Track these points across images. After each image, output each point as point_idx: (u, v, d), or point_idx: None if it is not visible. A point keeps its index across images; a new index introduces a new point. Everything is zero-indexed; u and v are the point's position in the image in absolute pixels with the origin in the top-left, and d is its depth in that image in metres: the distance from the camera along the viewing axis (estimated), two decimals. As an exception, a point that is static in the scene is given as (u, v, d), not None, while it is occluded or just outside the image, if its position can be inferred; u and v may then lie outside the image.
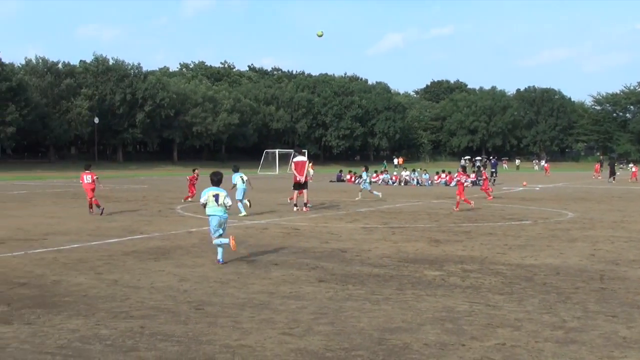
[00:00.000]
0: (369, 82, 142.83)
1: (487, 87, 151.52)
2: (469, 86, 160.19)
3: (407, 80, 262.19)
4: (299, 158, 24.01)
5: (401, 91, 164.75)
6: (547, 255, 12.80)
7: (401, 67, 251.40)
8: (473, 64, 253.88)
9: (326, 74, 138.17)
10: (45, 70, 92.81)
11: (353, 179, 51.72)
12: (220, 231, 11.89)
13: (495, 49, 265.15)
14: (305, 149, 61.00)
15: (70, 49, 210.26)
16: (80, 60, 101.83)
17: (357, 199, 29.46)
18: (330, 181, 53.13)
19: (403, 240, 15.07)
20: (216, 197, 11.81)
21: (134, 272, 10.78)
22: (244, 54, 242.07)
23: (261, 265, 11.55)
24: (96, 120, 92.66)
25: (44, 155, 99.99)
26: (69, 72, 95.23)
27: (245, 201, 21.40)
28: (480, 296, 9.01)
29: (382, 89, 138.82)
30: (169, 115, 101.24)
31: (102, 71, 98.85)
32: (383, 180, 49.28)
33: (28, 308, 8.21)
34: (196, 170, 28.57)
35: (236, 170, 21.72)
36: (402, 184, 47.93)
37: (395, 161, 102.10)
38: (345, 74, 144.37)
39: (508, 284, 9.87)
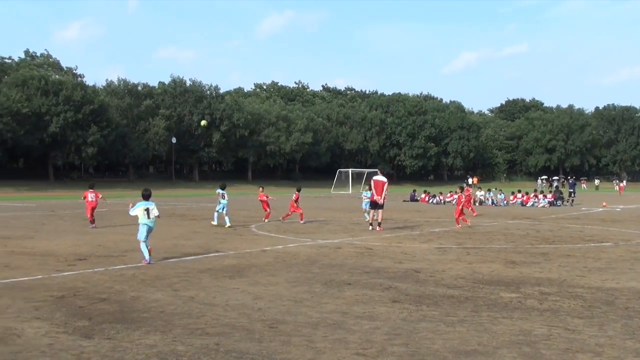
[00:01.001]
0: (443, 101, 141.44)
1: (564, 105, 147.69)
2: (545, 104, 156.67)
3: (481, 99, 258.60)
4: (379, 177, 23.84)
5: (475, 110, 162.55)
6: (630, 279, 12.35)
7: (476, 86, 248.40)
8: (549, 82, 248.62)
9: (399, 93, 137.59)
10: (125, 91, 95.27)
11: (427, 198, 51.18)
12: (146, 236, 14.17)
13: (571, 67, 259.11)
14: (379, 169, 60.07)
15: (149, 70, 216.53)
16: (159, 82, 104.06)
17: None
18: (404, 201, 52.64)
19: (478, 261, 14.80)
20: (147, 210, 14.14)
21: (210, 289, 10.88)
22: (317, 74, 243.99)
23: (334, 284, 11.51)
24: (174, 140, 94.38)
25: (123, 174, 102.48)
26: (147, 93, 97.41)
27: (226, 218, 24.06)
28: (559, 320, 8.76)
29: (456, 108, 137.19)
30: (244, 135, 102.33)
31: (179, 92, 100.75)
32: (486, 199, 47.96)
33: (108, 323, 8.41)
34: (262, 189, 28.99)
35: (222, 188, 24.30)
36: (477, 204, 47.10)
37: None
38: (421, 93, 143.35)
39: (588, 308, 9.56)
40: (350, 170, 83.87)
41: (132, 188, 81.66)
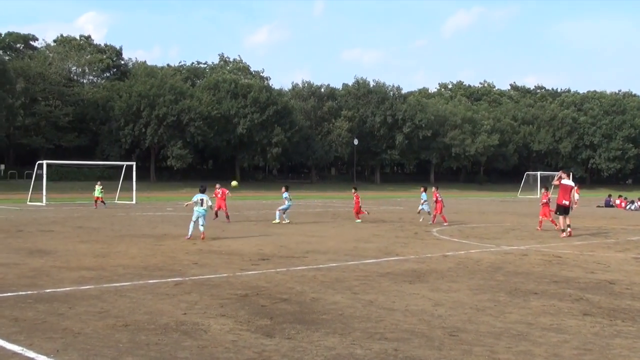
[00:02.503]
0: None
1: None
2: None
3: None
4: (567, 182, 22.81)
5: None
6: None
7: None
8: None
9: (594, 90, 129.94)
10: (309, 93, 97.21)
11: (624, 204, 47.75)
12: (202, 221, 19.00)
13: None
14: (569, 171, 57.39)
15: (334, 72, 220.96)
16: (343, 84, 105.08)
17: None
18: (598, 206, 49.34)
19: (683, 274, 13.39)
20: (202, 200, 18.89)
21: (389, 293, 10.71)
22: (505, 73, 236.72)
23: (520, 294, 10.95)
24: (355, 141, 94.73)
25: (306, 175, 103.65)
26: (330, 95, 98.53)
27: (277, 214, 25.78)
28: None
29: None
30: (427, 136, 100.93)
31: (362, 94, 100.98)
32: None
33: (288, 323, 8.48)
34: (356, 191, 29.07)
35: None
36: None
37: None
38: (619, 90, 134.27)
39: None
40: (539, 173, 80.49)
41: (315, 189, 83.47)
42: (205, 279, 11.74)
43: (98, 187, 39.27)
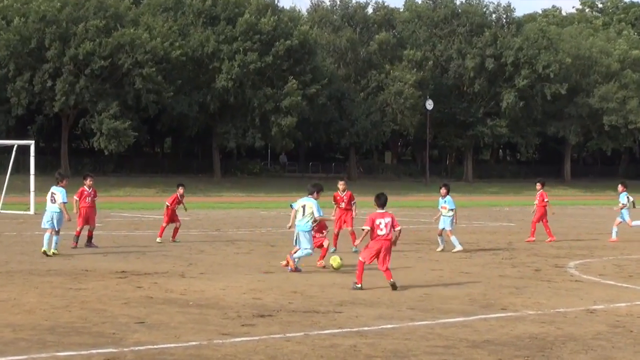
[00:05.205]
0: None
1: None
2: None
3: None
4: None
5: None
6: None
7: None
8: None
9: None
10: (345, 18, 73.45)
11: None
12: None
13: None
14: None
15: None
16: (406, 0, 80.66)
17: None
18: None
19: None
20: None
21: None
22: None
23: None
24: (429, 104, 70.45)
25: (339, 164, 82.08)
26: (384, 21, 74.44)
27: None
28: None
29: None
30: (559, 94, 72.50)
31: (442, 18, 75.19)
32: None
33: None
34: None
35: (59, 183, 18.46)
36: None
37: None
38: None
39: None
40: None
41: (357, 190, 61.16)
42: (157, 351, 8.75)
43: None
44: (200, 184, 60.37)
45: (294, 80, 61.04)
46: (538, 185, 23.14)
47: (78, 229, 18.85)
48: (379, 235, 12.26)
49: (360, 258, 12.50)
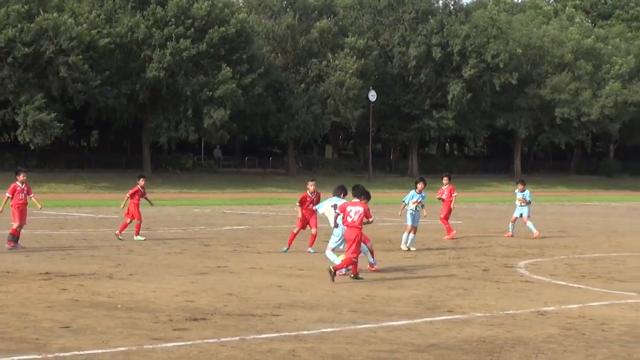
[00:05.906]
0: None
1: None
2: None
3: None
4: None
5: None
6: None
7: None
8: None
9: None
10: (284, 4, 70.51)
11: None
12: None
13: None
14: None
15: None
16: None
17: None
18: None
19: None
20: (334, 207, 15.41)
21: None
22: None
23: None
24: (372, 95, 69.06)
25: (277, 160, 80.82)
26: (325, 8, 71.14)
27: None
28: None
29: None
30: (508, 84, 71.60)
31: (386, 5, 72.91)
32: None
33: None
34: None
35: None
36: None
37: None
38: None
39: None
40: None
41: (295, 187, 61.38)
42: (83, 358, 8.77)
43: None
44: (130, 180, 58.32)
45: (228, 68, 59.01)
46: (445, 179, 23.17)
47: (15, 226, 18.17)
48: (348, 223, 13.33)
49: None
